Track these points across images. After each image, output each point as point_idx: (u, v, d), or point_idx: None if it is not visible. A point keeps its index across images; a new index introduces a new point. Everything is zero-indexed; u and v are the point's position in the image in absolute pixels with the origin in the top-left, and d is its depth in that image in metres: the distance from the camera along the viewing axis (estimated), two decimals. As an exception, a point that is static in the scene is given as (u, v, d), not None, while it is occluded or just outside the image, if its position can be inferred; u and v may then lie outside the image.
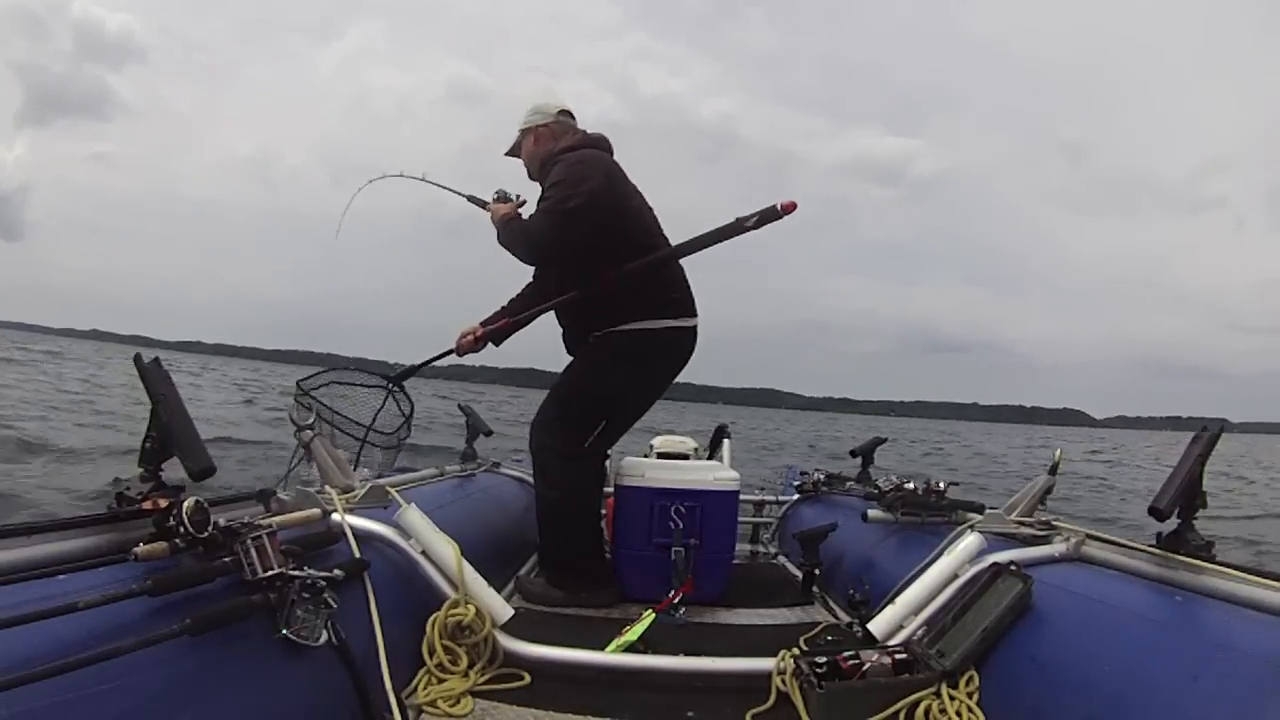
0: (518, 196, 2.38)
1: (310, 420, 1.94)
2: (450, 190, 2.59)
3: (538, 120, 2.41)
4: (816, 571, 2.45)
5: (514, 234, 2.28)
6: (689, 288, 2.38)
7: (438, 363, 2.71)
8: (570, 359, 2.42)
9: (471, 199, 2.49)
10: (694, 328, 2.37)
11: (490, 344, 2.51)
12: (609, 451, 2.50)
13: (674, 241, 2.35)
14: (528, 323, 2.47)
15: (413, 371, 2.70)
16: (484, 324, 2.49)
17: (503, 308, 2.54)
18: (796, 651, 1.61)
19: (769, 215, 2.10)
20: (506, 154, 2.51)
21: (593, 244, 2.20)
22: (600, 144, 2.38)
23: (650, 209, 2.39)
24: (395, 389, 2.61)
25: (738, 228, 2.13)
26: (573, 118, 2.45)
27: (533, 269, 2.49)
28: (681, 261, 2.35)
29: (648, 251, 2.26)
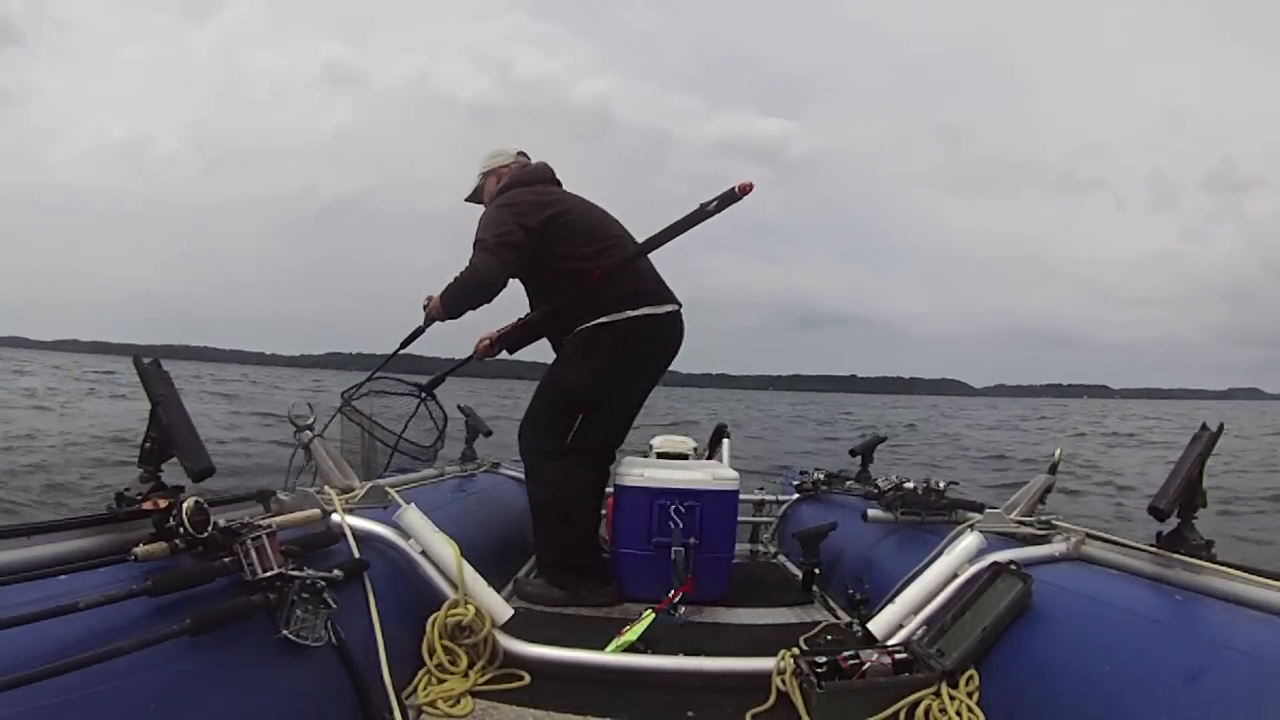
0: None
1: (310, 420, 1.94)
2: (390, 356, 2.68)
3: (499, 162, 2.56)
4: (816, 571, 2.45)
5: (457, 290, 2.32)
6: (657, 275, 2.44)
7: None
8: None
9: (405, 343, 2.59)
10: (672, 313, 2.40)
11: (505, 351, 2.58)
12: (615, 453, 2.53)
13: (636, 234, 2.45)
14: (534, 331, 2.52)
15: (442, 379, 2.79)
16: (500, 331, 2.55)
17: (519, 318, 2.58)
18: (796, 651, 1.61)
19: (729, 198, 2.17)
20: (467, 199, 2.64)
21: (543, 261, 2.32)
22: (536, 176, 2.50)
23: (595, 214, 2.46)
24: (427, 397, 2.71)
25: (701, 213, 2.21)
26: (529, 157, 2.59)
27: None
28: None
29: (603, 253, 2.34)
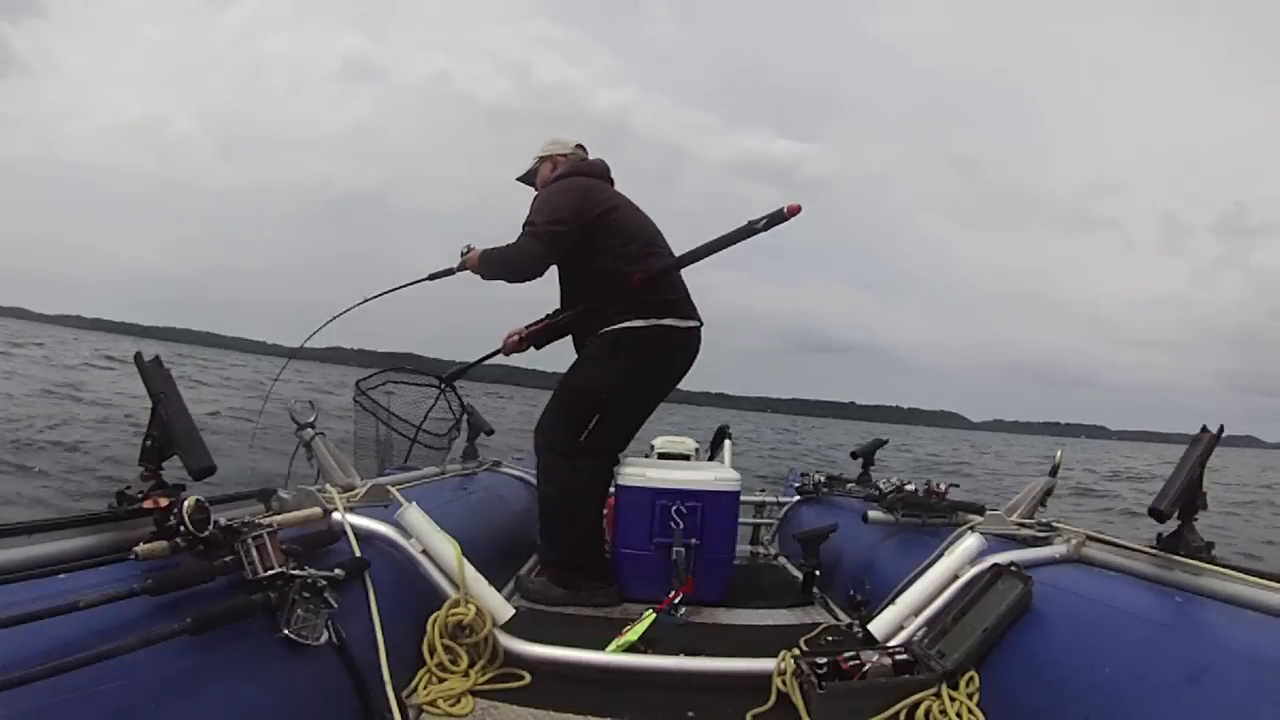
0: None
1: (312, 418, 1.94)
2: (409, 285, 2.62)
3: (556, 150, 2.61)
4: (817, 572, 2.45)
5: (498, 261, 2.35)
6: (686, 291, 2.48)
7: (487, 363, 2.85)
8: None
9: (433, 276, 2.56)
10: (692, 329, 2.44)
11: (533, 347, 2.62)
12: (621, 457, 2.54)
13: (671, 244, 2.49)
14: (565, 328, 2.55)
15: (463, 371, 2.90)
16: (528, 327, 2.58)
17: (546, 315, 2.62)
18: (797, 652, 1.61)
19: (777, 218, 2.23)
20: (518, 179, 2.68)
21: (587, 254, 2.35)
22: (593, 170, 2.54)
23: (640, 217, 2.50)
24: (446, 388, 2.83)
25: (748, 230, 2.26)
26: (586, 151, 2.62)
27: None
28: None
29: (645, 256, 2.38)
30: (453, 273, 2.48)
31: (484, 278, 2.39)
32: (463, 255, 2.43)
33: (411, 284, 2.62)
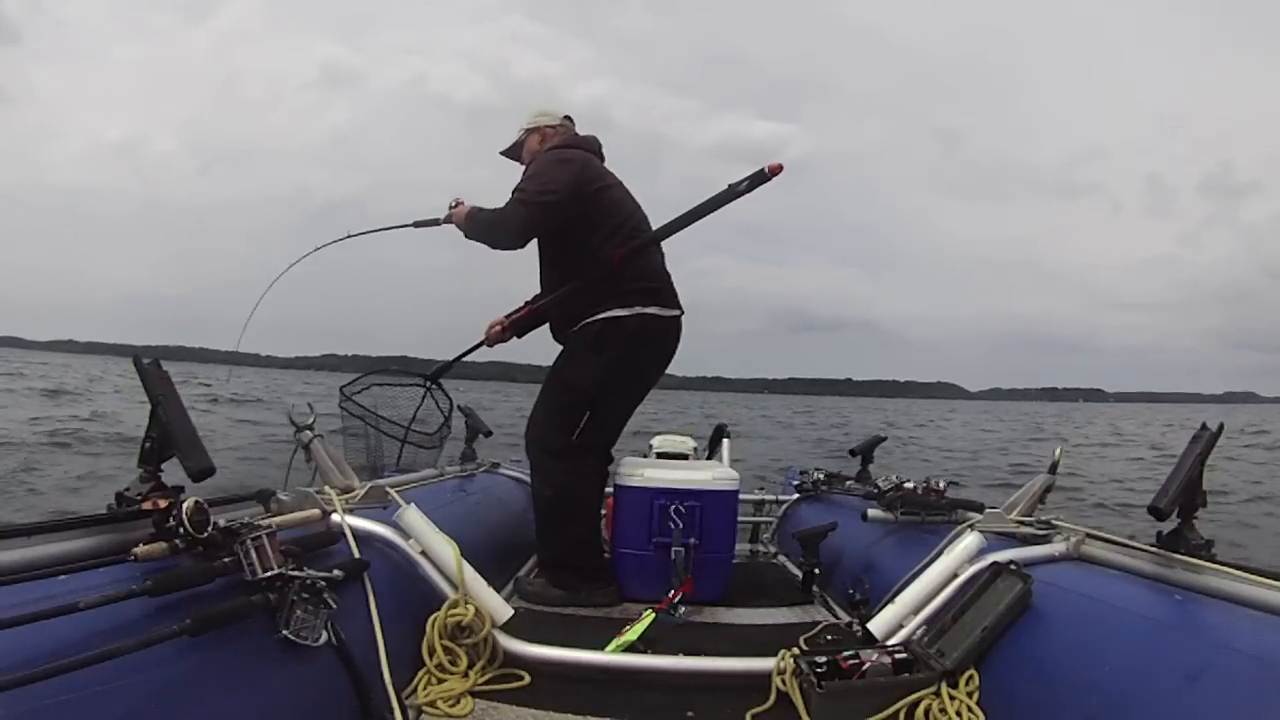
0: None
1: (310, 420, 1.94)
2: (395, 227, 2.64)
3: (544, 121, 2.51)
4: (816, 571, 2.44)
5: (483, 222, 2.32)
6: (669, 278, 2.43)
7: (473, 359, 2.82)
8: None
9: (419, 223, 2.55)
10: (674, 318, 2.40)
11: (516, 336, 2.57)
12: (612, 453, 2.53)
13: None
14: (544, 315, 2.50)
15: (448, 367, 2.86)
16: (509, 315, 2.54)
17: (526, 301, 2.57)
18: (796, 651, 1.61)
19: (759, 178, 2.16)
20: (502, 153, 2.59)
21: (576, 232, 2.29)
22: (586, 144, 2.47)
23: (632, 200, 2.45)
24: (433, 386, 2.81)
25: (730, 194, 2.19)
26: (574, 123, 2.54)
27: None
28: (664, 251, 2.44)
29: (634, 239, 2.32)
30: (439, 223, 2.44)
31: (466, 235, 2.35)
32: (451, 208, 2.38)
33: (396, 227, 2.60)
